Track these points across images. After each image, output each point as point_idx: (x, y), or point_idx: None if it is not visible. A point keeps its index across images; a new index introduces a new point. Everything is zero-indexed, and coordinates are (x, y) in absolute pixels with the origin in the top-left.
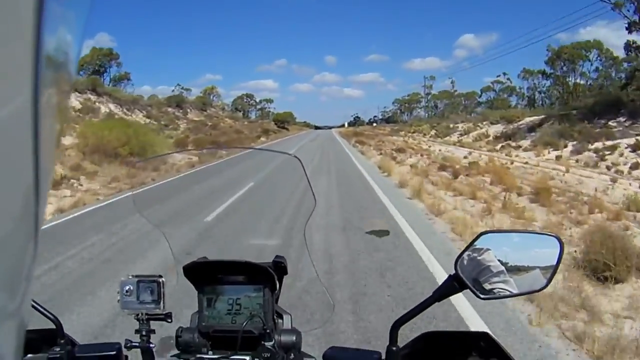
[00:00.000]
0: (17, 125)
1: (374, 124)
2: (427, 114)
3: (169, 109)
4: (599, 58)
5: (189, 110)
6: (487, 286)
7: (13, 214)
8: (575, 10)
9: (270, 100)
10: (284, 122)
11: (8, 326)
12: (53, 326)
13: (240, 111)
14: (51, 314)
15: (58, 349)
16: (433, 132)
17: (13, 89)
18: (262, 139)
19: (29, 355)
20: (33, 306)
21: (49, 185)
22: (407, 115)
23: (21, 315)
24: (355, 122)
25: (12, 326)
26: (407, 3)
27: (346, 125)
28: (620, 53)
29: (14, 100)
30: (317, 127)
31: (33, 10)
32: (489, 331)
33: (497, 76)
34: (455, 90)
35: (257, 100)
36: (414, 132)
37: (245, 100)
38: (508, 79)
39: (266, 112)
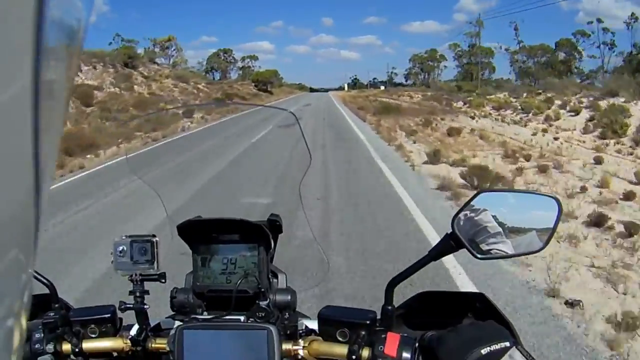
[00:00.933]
0: (17, 113)
1: (382, 87)
2: (459, 75)
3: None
4: None
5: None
6: (484, 247)
7: (13, 207)
8: None
9: (254, 57)
10: (266, 83)
11: (9, 327)
12: (47, 291)
13: (216, 70)
14: (45, 278)
15: (52, 314)
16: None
17: (13, 73)
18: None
19: None
20: (36, 277)
21: (51, 173)
22: (424, 76)
23: (22, 310)
24: (354, 84)
25: (14, 327)
26: None
27: (346, 87)
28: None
29: (13, 85)
30: (312, 90)
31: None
32: (484, 292)
33: (589, 23)
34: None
35: (237, 57)
36: (468, 105)
37: (222, 57)
38: (604, 28)
39: (250, 72)
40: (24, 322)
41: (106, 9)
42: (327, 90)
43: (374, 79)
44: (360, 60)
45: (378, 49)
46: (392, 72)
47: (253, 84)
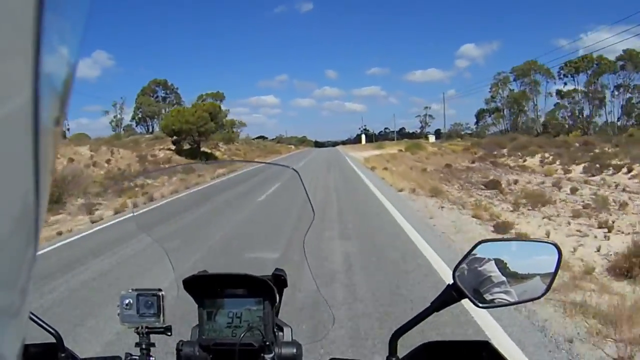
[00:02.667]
0: (18, 127)
1: (431, 137)
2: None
3: None
4: None
5: None
6: (488, 296)
7: (12, 218)
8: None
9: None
10: (197, 133)
11: (7, 331)
12: (54, 340)
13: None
14: (52, 327)
15: None
16: None
17: (13, 87)
18: None
19: None
20: (34, 320)
21: (50, 180)
22: (509, 117)
23: (21, 318)
24: (364, 136)
25: (12, 331)
26: (406, 15)
27: (363, 139)
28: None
29: (15, 98)
30: (318, 144)
31: (32, 26)
32: (489, 340)
33: None
34: None
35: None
36: None
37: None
38: None
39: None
40: (23, 320)
41: (111, 63)
42: (335, 144)
43: (385, 128)
44: (365, 111)
45: (382, 100)
46: (426, 117)
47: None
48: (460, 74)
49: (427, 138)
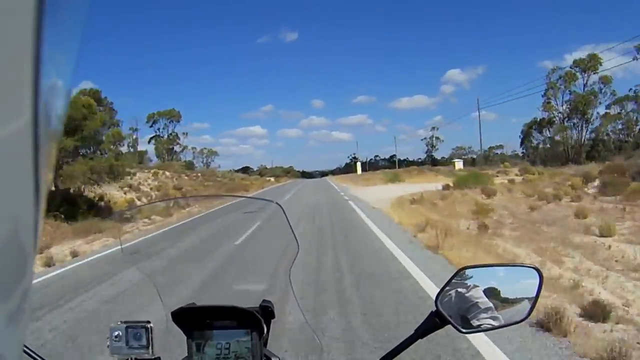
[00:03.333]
0: (19, 136)
1: (458, 164)
2: None
3: None
4: None
5: None
6: (475, 322)
7: (13, 224)
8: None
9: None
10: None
11: (8, 332)
12: None
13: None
14: (39, 356)
15: None
16: None
17: (16, 106)
18: None
19: None
20: (27, 353)
21: (49, 180)
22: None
23: (21, 320)
24: (359, 164)
25: (12, 333)
26: (391, 41)
27: (359, 169)
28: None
29: (14, 90)
30: (305, 175)
31: (31, 55)
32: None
33: None
34: None
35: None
36: None
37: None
38: None
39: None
40: (24, 319)
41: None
42: (323, 174)
43: (376, 156)
44: (351, 140)
45: (369, 128)
46: (432, 139)
47: None
48: (447, 100)
49: (453, 165)
